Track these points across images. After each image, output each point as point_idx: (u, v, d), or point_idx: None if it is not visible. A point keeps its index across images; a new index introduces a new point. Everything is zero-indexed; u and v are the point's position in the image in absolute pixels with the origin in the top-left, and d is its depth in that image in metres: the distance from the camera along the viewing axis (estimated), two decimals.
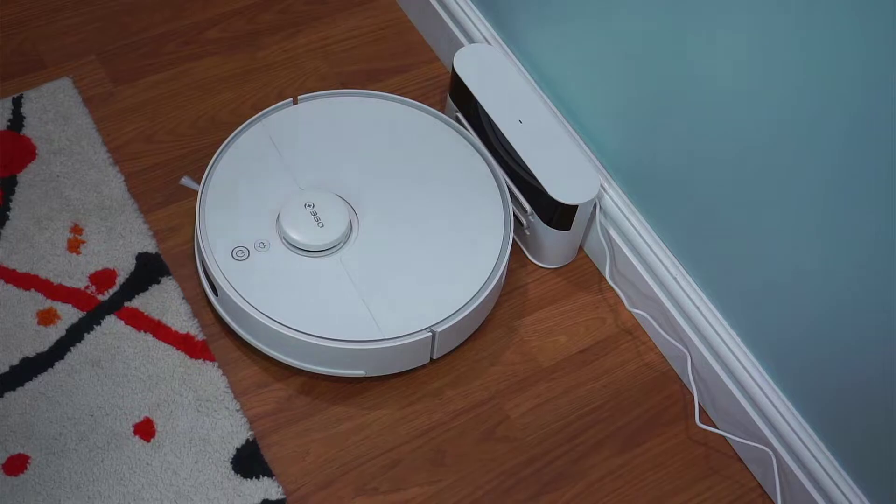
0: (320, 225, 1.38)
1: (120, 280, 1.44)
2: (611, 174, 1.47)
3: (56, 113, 1.58)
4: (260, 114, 1.51)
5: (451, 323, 1.36)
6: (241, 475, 1.32)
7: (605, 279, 1.51)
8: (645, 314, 1.46)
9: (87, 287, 1.43)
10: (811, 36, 1.05)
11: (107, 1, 1.73)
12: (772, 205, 1.20)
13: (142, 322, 1.41)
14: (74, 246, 1.46)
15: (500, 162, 1.50)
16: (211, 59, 1.69)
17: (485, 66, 1.53)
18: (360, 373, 1.38)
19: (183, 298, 1.44)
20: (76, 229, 1.48)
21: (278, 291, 1.36)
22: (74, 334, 1.39)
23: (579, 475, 1.36)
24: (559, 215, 1.44)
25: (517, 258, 1.53)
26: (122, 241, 1.47)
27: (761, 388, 1.32)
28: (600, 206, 1.47)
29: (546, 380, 1.43)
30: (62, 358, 1.37)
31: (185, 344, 1.40)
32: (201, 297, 1.45)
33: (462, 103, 1.55)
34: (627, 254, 1.46)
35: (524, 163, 1.44)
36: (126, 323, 1.41)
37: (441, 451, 1.37)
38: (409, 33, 1.76)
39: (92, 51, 1.67)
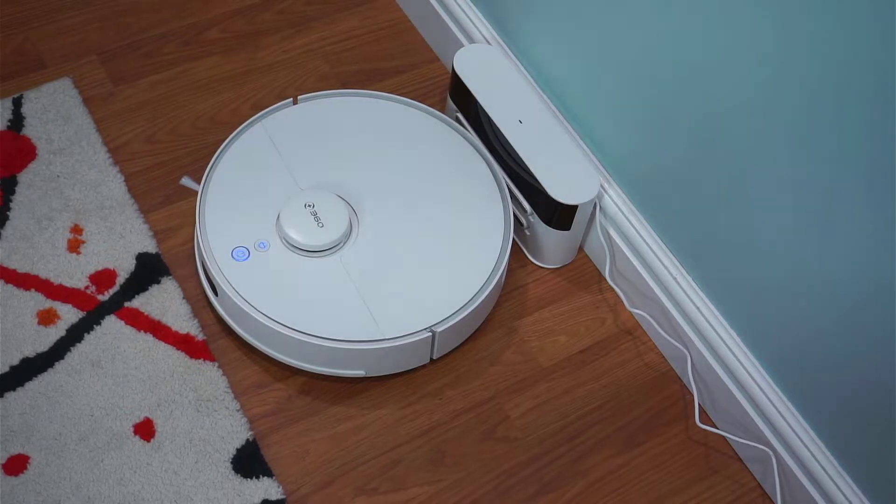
0: (320, 225, 1.38)
1: (120, 280, 1.44)
2: (611, 174, 1.47)
3: (56, 113, 1.58)
4: (260, 114, 1.51)
5: (451, 323, 1.36)
6: (241, 475, 1.32)
7: (605, 279, 1.51)
8: (645, 314, 1.46)
9: (87, 287, 1.43)
10: (812, 36, 1.05)
11: (107, 1, 1.73)
12: (772, 205, 1.20)
13: (142, 322, 1.41)
14: (74, 246, 1.46)
15: (500, 162, 1.50)
16: (211, 59, 1.69)
17: (485, 66, 1.53)
18: (360, 373, 1.38)
19: (183, 298, 1.44)
20: (76, 229, 1.48)
21: (278, 291, 1.36)
22: (74, 334, 1.39)
23: (579, 475, 1.36)
24: (559, 215, 1.44)
25: (517, 258, 1.53)
26: (122, 241, 1.47)
27: (761, 388, 1.32)
28: (600, 206, 1.47)
29: (546, 380, 1.43)
30: (62, 358, 1.37)
31: (185, 344, 1.40)
32: (201, 297, 1.45)
33: (462, 103, 1.55)
34: (627, 254, 1.46)
35: (524, 163, 1.44)
36: (126, 323, 1.41)
37: (441, 451, 1.37)
38: (409, 33, 1.76)
39: (92, 51, 1.67)
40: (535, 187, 1.44)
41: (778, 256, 1.22)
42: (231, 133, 1.50)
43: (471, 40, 1.63)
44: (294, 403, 1.38)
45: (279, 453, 1.34)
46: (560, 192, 1.41)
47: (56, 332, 1.39)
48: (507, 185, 1.50)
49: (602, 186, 1.46)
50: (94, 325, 1.40)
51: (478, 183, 1.47)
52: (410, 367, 1.41)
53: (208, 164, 1.47)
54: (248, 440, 1.34)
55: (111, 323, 1.41)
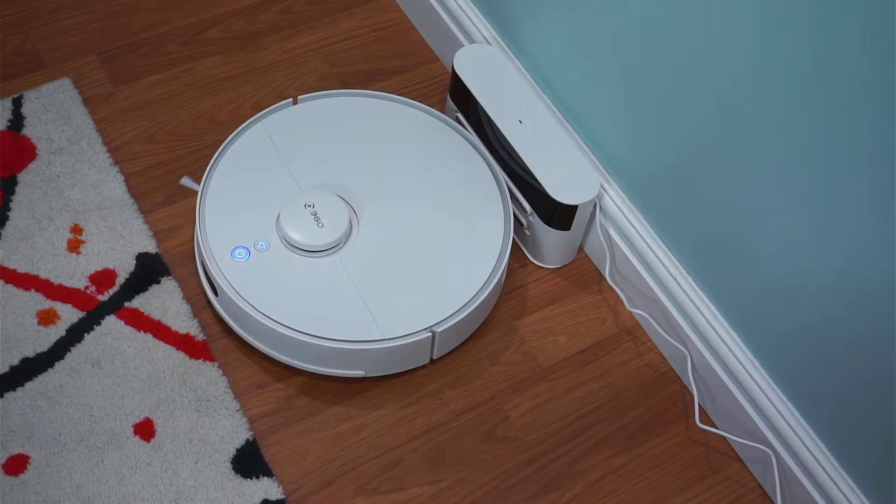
0: (320, 225, 1.38)
1: (120, 280, 1.44)
2: (611, 174, 1.47)
3: (56, 113, 1.58)
4: (260, 114, 1.51)
5: (451, 323, 1.36)
6: (241, 475, 1.32)
7: (605, 279, 1.51)
8: (645, 314, 1.46)
9: (87, 287, 1.43)
10: (814, 37, 1.05)
11: (107, 1, 1.73)
12: (772, 205, 1.20)
13: (142, 322, 1.41)
14: (74, 246, 1.46)
15: (500, 162, 1.50)
16: (211, 59, 1.69)
17: (485, 66, 1.53)
18: (360, 373, 1.38)
19: (183, 298, 1.44)
20: (76, 229, 1.48)
21: (278, 291, 1.36)
22: (74, 334, 1.39)
23: (579, 475, 1.36)
24: (559, 215, 1.44)
25: (517, 258, 1.53)
26: (122, 241, 1.47)
27: (761, 388, 1.32)
28: (600, 206, 1.47)
29: (546, 380, 1.43)
30: (62, 358, 1.37)
31: (185, 344, 1.40)
32: (201, 297, 1.45)
33: (462, 103, 1.55)
34: (627, 254, 1.46)
35: (524, 163, 1.44)
36: (126, 323, 1.41)
37: (441, 451, 1.37)
38: (409, 33, 1.76)
39: (92, 51, 1.67)
40: (535, 187, 1.44)
41: (778, 256, 1.22)
42: (231, 133, 1.50)
43: (471, 40, 1.63)
44: (294, 403, 1.38)
45: (279, 453, 1.34)
46: (560, 192, 1.41)
47: (56, 332, 1.39)
48: (507, 185, 1.50)
49: (602, 186, 1.46)
50: (94, 325, 1.40)
51: (478, 183, 1.47)
52: (410, 367, 1.41)
53: (208, 164, 1.47)
54: (248, 440, 1.34)
55: (111, 323, 1.41)
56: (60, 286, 1.43)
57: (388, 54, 1.73)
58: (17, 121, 1.57)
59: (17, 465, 1.29)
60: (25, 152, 1.54)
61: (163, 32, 1.70)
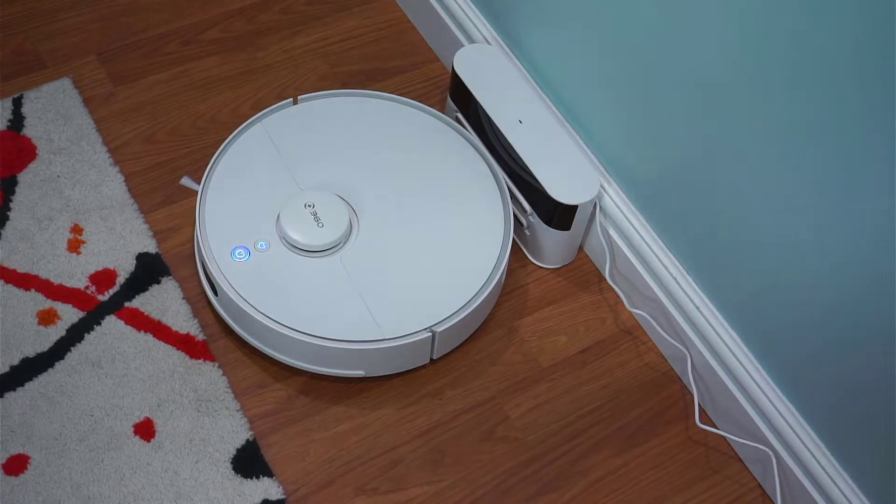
0: (320, 225, 1.38)
1: (120, 280, 1.44)
2: (611, 174, 1.47)
3: (56, 113, 1.58)
4: (260, 114, 1.51)
5: (451, 323, 1.36)
6: (242, 475, 1.32)
7: (605, 279, 1.51)
8: (645, 314, 1.46)
9: (87, 287, 1.43)
10: (815, 36, 1.05)
11: (107, 1, 1.73)
12: (772, 204, 1.20)
13: (142, 322, 1.41)
14: (74, 246, 1.46)
15: (500, 162, 1.50)
16: (211, 59, 1.69)
17: (485, 66, 1.53)
18: (360, 373, 1.38)
19: (183, 298, 1.44)
20: (76, 229, 1.48)
21: (278, 291, 1.36)
22: (74, 334, 1.39)
23: (579, 475, 1.36)
24: (559, 215, 1.44)
25: (517, 258, 1.53)
26: (122, 241, 1.47)
27: (761, 388, 1.32)
28: (600, 206, 1.47)
29: (546, 380, 1.43)
30: (62, 358, 1.37)
31: (185, 344, 1.40)
32: (201, 297, 1.45)
33: (462, 103, 1.55)
34: (627, 254, 1.46)
35: (524, 163, 1.44)
36: (126, 323, 1.41)
37: (441, 451, 1.37)
38: (409, 33, 1.76)
39: (92, 51, 1.67)
40: (535, 187, 1.44)
41: (778, 256, 1.22)
42: (231, 133, 1.50)
43: (471, 40, 1.63)
44: (294, 403, 1.38)
45: (279, 453, 1.34)
46: (560, 192, 1.41)
47: (56, 332, 1.39)
48: (507, 185, 1.50)
49: (602, 186, 1.46)
50: (94, 325, 1.40)
51: (478, 183, 1.47)
52: (410, 367, 1.41)
53: (208, 164, 1.47)
54: (248, 440, 1.34)
55: (111, 323, 1.41)
56: (60, 286, 1.43)
57: (388, 54, 1.73)
58: (17, 121, 1.57)
59: (17, 465, 1.30)
60: (25, 152, 1.54)
61: (163, 32, 1.71)
